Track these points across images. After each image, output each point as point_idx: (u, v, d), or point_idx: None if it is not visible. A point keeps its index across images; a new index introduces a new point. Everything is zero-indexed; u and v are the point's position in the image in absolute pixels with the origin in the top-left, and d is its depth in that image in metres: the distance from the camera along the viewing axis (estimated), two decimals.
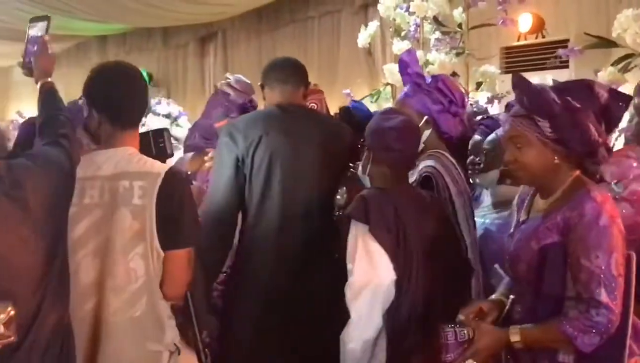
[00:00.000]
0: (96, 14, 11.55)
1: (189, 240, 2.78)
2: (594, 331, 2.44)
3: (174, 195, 2.73)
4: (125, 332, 2.79)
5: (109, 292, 2.73)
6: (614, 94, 2.68)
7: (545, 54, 6.08)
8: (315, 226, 3.35)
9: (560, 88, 2.61)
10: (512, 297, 2.74)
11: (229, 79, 4.88)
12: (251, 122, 3.64)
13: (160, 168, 2.78)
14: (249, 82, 4.85)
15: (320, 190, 3.36)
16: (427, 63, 5.25)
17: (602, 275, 2.46)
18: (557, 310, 2.56)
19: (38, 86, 3.05)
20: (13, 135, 4.31)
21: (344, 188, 3.77)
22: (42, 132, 2.81)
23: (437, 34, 5.33)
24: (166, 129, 3.35)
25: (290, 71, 3.62)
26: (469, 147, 3.67)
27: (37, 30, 3.28)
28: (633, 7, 3.93)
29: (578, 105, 2.50)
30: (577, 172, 2.58)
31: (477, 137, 3.64)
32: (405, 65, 3.59)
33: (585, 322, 2.45)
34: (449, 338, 2.62)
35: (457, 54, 5.27)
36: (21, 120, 10.66)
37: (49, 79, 3.01)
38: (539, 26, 7.08)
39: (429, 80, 3.53)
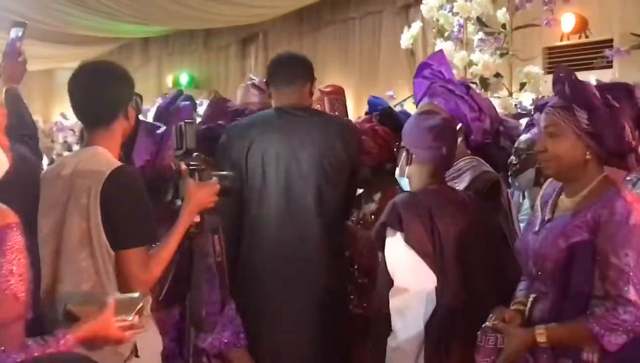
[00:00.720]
0: (139, 16, 11.79)
1: (138, 240, 2.71)
2: (620, 329, 2.45)
3: (119, 193, 2.69)
4: None
5: (59, 296, 2.74)
6: None
7: (590, 54, 6.07)
8: (315, 225, 3.36)
9: (601, 86, 2.61)
10: (533, 296, 2.73)
11: (254, 79, 4.86)
12: (246, 126, 3.65)
13: (108, 166, 2.70)
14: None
15: (319, 189, 3.35)
16: (470, 63, 5.26)
17: (631, 273, 2.46)
18: (583, 309, 2.57)
19: (3, 91, 3.16)
20: (56, 136, 4.46)
21: (379, 193, 3.76)
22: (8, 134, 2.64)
23: (481, 35, 5.33)
24: (188, 122, 3.25)
25: (296, 71, 3.57)
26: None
27: (14, 35, 3.38)
28: None
29: (618, 104, 2.50)
30: (605, 173, 2.59)
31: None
32: (427, 66, 3.58)
33: (613, 320, 2.46)
34: (489, 343, 2.65)
35: (501, 55, 5.27)
36: (65, 122, 10.92)
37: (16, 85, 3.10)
38: (582, 26, 7.06)
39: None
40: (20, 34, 3.40)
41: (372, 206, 3.73)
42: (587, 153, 2.56)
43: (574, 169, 2.62)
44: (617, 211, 2.49)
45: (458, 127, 3.34)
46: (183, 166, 3.20)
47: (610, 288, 2.47)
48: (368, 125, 3.85)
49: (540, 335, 2.54)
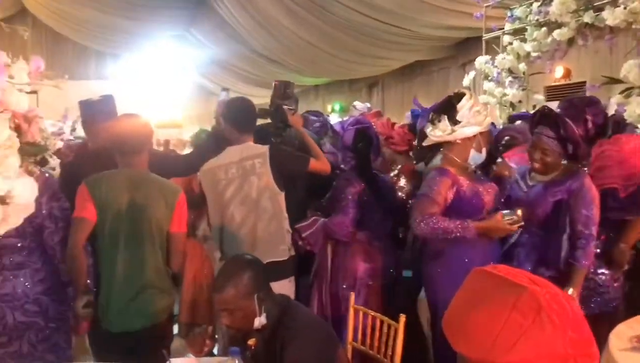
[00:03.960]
0: (313, 73, 12.32)
1: None
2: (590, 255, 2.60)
3: None
4: None
5: None
6: (607, 117, 2.82)
7: (571, 90, 5.81)
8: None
9: (577, 107, 2.71)
10: (515, 236, 2.73)
11: (367, 104, 5.64)
12: None
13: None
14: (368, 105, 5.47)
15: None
16: (504, 95, 5.39)
17: (594, 219, 2.60)
18: (552, 241, 2.62)
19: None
20: None
21: (399, 167, 3.59)
22: None
23: (510, 78, 5.40)
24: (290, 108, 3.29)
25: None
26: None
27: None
28: (634, 58, 3.88)
29: (589, 132, 2.63)
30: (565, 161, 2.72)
31: None
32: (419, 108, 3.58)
33: (588, 252, 2.56)
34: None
35: (522, 89, 5.36)
36: None
37: None
38: (567, 73, 6.75)
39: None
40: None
41: (394, 173, 3.62)
42: (562, 161, 2.69)
43: (553, 168, 2.72)
44: (585, 183, 2.63)
45: None
46: None
47: (582, 228, 2.58)
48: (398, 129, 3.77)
49: (571, 291, 2.52)
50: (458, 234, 2.59)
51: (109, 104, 3.14)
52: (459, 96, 2.75)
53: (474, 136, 2.71)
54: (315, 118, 4.10)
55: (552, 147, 2.62)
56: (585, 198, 2.59)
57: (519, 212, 2.57)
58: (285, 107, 3.25)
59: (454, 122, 2.70)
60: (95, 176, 2.47)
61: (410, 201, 3.27)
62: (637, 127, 3.88)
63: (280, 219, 2.98)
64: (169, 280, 2.55)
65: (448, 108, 2.74)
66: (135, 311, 2.43)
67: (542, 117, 2.69)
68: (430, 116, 2.79)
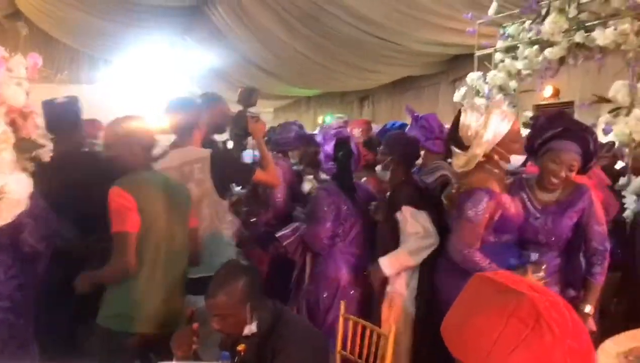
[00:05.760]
0: (305, 84, 12.49)
1: None
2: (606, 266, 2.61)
3: None
4: None
5: None
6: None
7: (561, 108, 5.63)
8: None
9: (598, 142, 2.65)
10: (536, 254, 2.60)
11: (342, 116, 5.28)
12: None
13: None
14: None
15: None
16: None
17: (605, 233, 2.60)
18: (572, 261, 2.58)
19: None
20: None
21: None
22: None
23: (501, 95, 5.28)
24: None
25: None
26: None
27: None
28: (622, 79, 3.86)
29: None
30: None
31: None
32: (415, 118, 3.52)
33: (604, 267, 2.56)
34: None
35: (513, 106, 5.25)
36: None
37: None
38: (556, 93, 7.43)
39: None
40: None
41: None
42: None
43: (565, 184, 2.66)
44: (593, 201, 2.59)
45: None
46: None
47: (597, 244, 2.57)
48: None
49: (588, 308, 2.51)
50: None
51: (74, 106, 3.02)
52: (456, 121, 2.63)
53: (494, 148, 2.54)
54: (294, 128, 4.12)
55: (578, 161, 2.49)
56: (596, 215, 2.57)
57: (544, 267, 2.49)
58: (248, 114, 3.16)
59: (463, 148, 2.59)
60: (131, 179, 2.31)
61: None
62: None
63: (218, 229, 2.80)
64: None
65: (454, 137, 2.63)
66: (166, 314, 2.38)
67: (571, 131, 2.51)
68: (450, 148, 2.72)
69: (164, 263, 2.39)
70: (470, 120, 2.57)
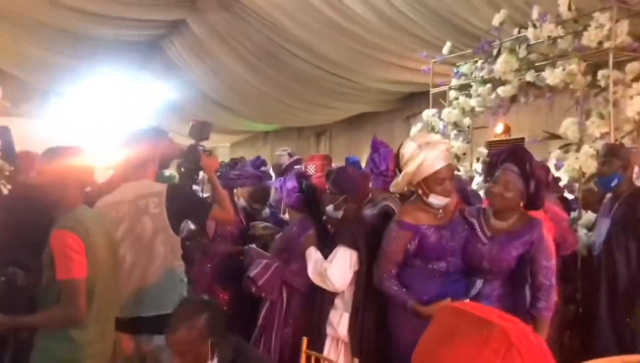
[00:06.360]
0: (263, 119, 12.59)
1: None
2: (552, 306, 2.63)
3: None
4: None
5: None
6: (552, 177, 2.99)
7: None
8: None
9: (537, 163, 2.71)
10: (480, 281, 2.66)
11: (287, 149, 5.39)
12: None
13: None
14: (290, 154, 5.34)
15: None
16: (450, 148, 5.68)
17: (553, 270, 2.65)
18: (516, 293, 2.60)
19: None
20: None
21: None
22: None
23: (455, 131, 5.46)
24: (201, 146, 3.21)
25: None
26: None
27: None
28: (570, 116, 4.02)
29: (545, 180, 2.78)
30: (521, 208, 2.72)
31: None
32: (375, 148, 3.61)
33: (550, 303, 2.60)
34: None
35: (467, 142, 5.46)
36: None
37: None
38: (507, 129, 7.66)
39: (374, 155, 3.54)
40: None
41: None
42: (521, 202, 2.65)
43: (510, 209, 2.67)
44: (544, 235, 2.63)
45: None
46: None
47: (542, 279, 2.59)
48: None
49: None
50: (396, 302, 2.69)
51: (4, 135, 2.90)
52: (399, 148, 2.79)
53: (417, 184, 2.67)
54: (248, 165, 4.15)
55: (515, 181, 2.59)
56: (545, 251, 2.60)
57: (467, 301, 2.54)
58: (200, 148, 3.11)
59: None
60: (73, 219, 2.23)
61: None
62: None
63: (173, 266, 2.74)
64: None
65: (396, 160, 2.77)
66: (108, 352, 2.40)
67: (509, 154, 2.67)
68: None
69: (107, 304, 2.34)
70: (406, 150, 2.69)
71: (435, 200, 2.68)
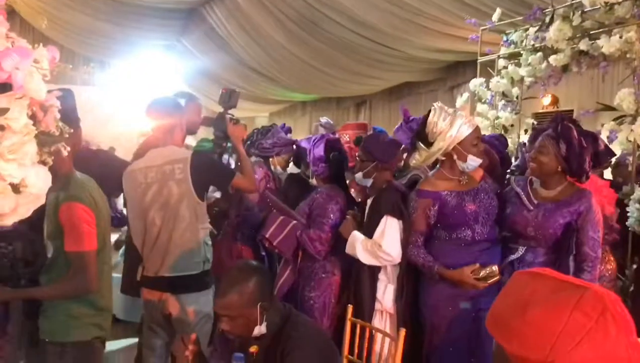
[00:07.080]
0: (302, 89, 12.51)
1: None
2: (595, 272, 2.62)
3: None
4: None
5: None
6: (607, 147, 2.78)
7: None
8: None
9: (580, 131, 2.63)
10: (523, 248, 2.68)
11: (321, 121, 5.16)
12: None
13: None
14: (332, 122, 5.25)
15: None
16: (497, 118, 5.37)
17: (600, 241, 2.63)
18: (560, 263, 2.56)
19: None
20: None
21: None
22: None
23: (503, 101, 5.38)
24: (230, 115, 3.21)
25: None
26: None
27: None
28: (628, 87, 3.86)
29: (585, 145, 2.57)
30: (568, 178, 2.71)
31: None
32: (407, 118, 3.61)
33: (595, 273, 2.58)
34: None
35: (515, 113, 5.33)
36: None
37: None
38: (554, 100, 7.54)
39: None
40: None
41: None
42: (559, 167, 2.63)
43: (549, 175, 2.67)
44: (593, 206, 2.61)
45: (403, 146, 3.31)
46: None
47: (589, 250, 2.58)
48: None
49: None
50: (424, 271, 2.75)
51: (67, 98, 2.79)
52: (425, 119, 2.77)
53: (453, 149, 2.71)
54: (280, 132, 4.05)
55: (549, 146, 2.60)
56: (593, 221, 2.59)
57: (495, 267, 2.59)
58: (227, 116, 3.16)
59: (427, 144, 2.75)
60: (80, 188, 2.24)
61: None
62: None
63: (197, 230, 2.81)
64: None
65: (421, 133, 2.78)
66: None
67: (550, 122, 2.68)
68: (415, 143, 2.85)
69: (109, 268, 2.43)
70: (437, 118, 2.73)
71: (472, 161, 2.74)
